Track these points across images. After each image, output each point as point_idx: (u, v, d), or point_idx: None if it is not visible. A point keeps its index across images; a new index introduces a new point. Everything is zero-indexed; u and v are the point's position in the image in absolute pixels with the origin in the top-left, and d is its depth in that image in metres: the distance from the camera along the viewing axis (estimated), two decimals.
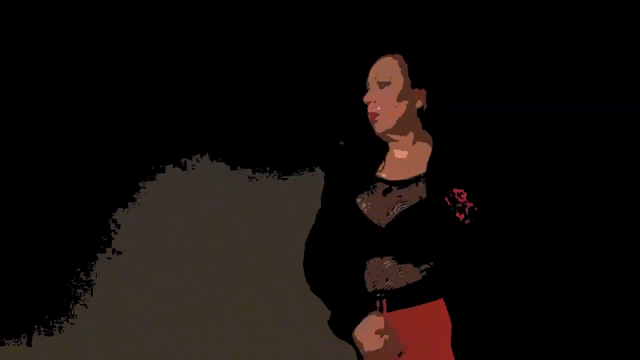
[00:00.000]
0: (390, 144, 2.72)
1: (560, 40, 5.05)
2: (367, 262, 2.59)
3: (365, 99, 2.68)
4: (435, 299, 2.53)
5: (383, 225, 2.57)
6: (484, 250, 2.62)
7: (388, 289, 2.55)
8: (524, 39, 4.84)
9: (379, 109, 2.66)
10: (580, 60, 5.05)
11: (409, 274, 2.54)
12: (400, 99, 2.66)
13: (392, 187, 2.62)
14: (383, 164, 2.70)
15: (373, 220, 2.59)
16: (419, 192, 2.58)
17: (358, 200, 2.63)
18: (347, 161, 2.78)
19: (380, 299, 2.56)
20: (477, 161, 2.68)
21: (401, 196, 2.59)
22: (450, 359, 2.52)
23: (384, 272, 2.57)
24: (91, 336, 4.48)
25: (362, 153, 2.76)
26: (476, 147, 2.84)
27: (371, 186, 2.65)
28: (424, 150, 2.69)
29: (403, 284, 2.54)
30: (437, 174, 2.60)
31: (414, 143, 2.70)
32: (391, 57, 2.71)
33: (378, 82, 2.67)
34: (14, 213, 4.94)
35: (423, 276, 2.54)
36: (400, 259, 2.55)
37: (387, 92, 2.66)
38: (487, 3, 4.48)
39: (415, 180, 2.62)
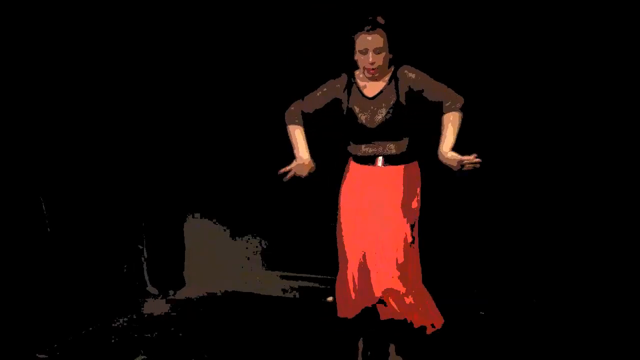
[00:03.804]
0: (372, 79, 4.31)
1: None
2: (368, 143, 4.32)
3: (370, 61, 4.21)
4: (413, 161, 4.38)
5: (375, 126, 4.29)
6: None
7: (383, 154, 4.32)
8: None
9: (377, 67, 4.25)
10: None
11: (397, 146, 4.31)
12: (386, 57, 4.27)
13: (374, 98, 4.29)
14: (365, 87, 4.33)
15: (367, 125, 4.29)
16: (387, 96, 4.28)
17: (356, 110, 4.32)
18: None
19: (379, 157, 4.32)
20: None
21: (381, 101, 4.27)
22: (417, 196, 4.34)
23: (379, 146, 4.31)
24: None
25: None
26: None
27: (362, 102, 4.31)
28: (385, 75, 4.33)
29: (394, 152, 4.31)
30: (392, 83, 4.29)
31: (383, 76, 4.32)
32: (380, 31, 4.19)
33: (374, 50, 4.21)
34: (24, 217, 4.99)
35: (406, 147, 4.32)
36: (391, 139, 4.31)
37: (382, 55, 4.24)
38: None
39: (382, 91, 4.29)
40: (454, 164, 4.08)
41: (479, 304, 5.29)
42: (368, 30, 4.18)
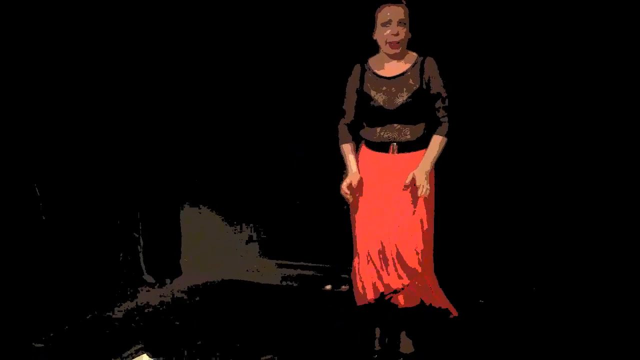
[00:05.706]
0: (391, 56, 4.32)
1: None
2: (384, 126, 4.32)
3: (395, 32, 4.21)
4: (426, 147, 4.33)
5: (394, 108, 4.28)
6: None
7: (398, 140, 4.30)
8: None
9: (399, 40, 4.24)
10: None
11: (412, 131, 4.31)
12: (407, 35, 4.27)
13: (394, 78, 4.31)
14: (383, 70, 4.35)
15: (385, 107, 4.29)
16: (408, 80, 4.29)
17: (372, 93, 4.33)
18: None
19: (392, 144, 4.31)
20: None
21: (402, 83, 4.28)
22: (432, 182, 4.33)
23: (395, 130, 4.31)
24: None
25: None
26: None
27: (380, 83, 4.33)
28: (406, 58, 4.34)
29: (408, 137, 4.31)
30: (417, 69, 4.32)
31: (403, 56, 4.34)
32: (403, 5, 4.23)
33: (399, 22, 4.21)
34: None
35: (421, 132, 4.33)
36: (408, 122, 4.31)
37: (405, 29, 4.24)
38: None
39: (404, 73, 4.31)
40: (413, 183, 4.22)
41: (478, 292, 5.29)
42: (391, 3, 4.18)
